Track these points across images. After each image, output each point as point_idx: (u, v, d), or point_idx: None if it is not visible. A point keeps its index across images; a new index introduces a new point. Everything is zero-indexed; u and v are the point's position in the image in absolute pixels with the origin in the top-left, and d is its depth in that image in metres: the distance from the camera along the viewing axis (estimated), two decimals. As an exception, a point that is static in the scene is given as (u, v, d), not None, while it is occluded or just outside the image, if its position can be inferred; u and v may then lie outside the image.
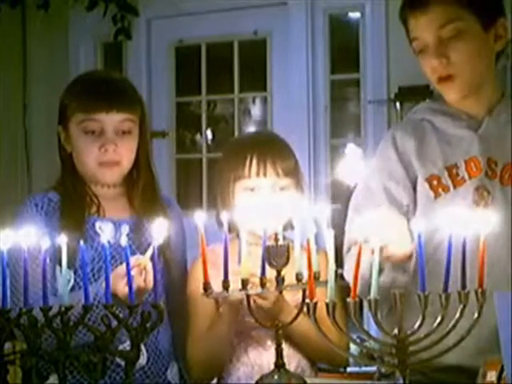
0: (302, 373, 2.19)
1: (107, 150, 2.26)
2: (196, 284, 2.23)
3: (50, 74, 4.90)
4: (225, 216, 1.86)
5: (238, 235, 1.91)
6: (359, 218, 2.09)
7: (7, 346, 1.85)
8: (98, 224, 2.25)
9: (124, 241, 1.78)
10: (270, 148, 2.29)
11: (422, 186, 2.16)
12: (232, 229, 1.97)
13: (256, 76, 4.83)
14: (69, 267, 2.04)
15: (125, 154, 2.29)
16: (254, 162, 2.25)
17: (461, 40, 2.13)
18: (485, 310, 1.65)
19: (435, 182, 2.16)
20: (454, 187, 2.15)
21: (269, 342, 2.23)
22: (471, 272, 1.66)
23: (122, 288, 1.99)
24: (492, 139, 2.17)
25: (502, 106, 2.20)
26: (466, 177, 2.14)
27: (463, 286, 1.66)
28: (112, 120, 2.26)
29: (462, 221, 1.65)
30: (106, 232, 1.83)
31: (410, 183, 2.18)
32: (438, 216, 1.80)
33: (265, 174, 2.25)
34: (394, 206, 2.13)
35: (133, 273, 1.94)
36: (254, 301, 1.98)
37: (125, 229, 1.81)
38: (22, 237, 1.79)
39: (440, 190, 2.15)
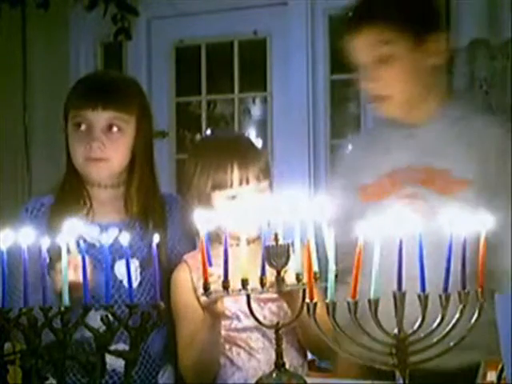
0: (294, 371, 2.18)
1: (92, 147, 2.27)
2: (180, 291, 2.24)
3: (49, 74, 4.90)
4: (223, 218, 1.85)
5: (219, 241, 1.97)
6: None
7: (7, 345, 1.85)
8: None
9: (105, 241, 1.77)
10: (248, 154, 2.26)
11: (361, 195, 2.22)
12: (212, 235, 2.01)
13: (256, 76, 4.82)
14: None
15: (113, 152, 2.29)
16: (236, 171, 2.21)
17: (394, 62, 2.17)
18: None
19: (373, 190, 2.21)
20: (391, 195, 2.17)
21: (260, 344, 2.23)
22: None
23: (58, 284, 1.98)
24: (431, 147, 2.21)
25: (442, 110, 2.24)
26: (404, 185, 2.17)
27: (463, 286, 1.67)
28: (98, 117, 2.27)
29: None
30: (94, 236, 1.85)
31: (354, 193, 2.24)
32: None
33: (247, 182, 2.23)
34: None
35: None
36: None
37: (113, 232, 1.80)
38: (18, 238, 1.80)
39: (377, 197, 2.19)
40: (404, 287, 1.63)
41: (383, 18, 2.19)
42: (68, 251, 1.81)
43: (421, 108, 2.24)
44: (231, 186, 2.22)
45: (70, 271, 1.93)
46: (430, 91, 2.25)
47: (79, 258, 1.95)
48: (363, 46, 2.21)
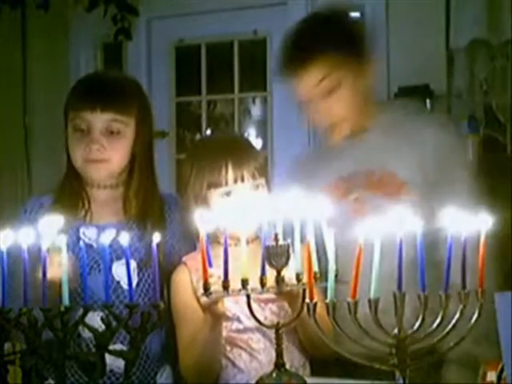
0: (295, 371, 2.18)
1: (91, 149, 2.27)
2: (179, 293, 2.24)
3: (50, 74, 4.90)
4: (222, 219, 1.85)
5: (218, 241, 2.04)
6: None
7: (7, 345, 1.85)
8: (82, 229, 2.25)
9: (104, 242, 1.77)
10: (242, 153, 2.28)
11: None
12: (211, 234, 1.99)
13: (256, 76, 4.82)
14: None
15: (112, 154, 2.28)
16: (230, 169, 2.23)
17: (336, 91, 2.27)
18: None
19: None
20: (339, 201, 2.23)
21: (261, 345, 2.23)
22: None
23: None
24: (375, 151, 2.29)
25: (384, 115, 2.34)
26: (351, 190, 2.26)
27: (463, 286, 1.67)
28: (97, 119, 2.27)
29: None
30: (91, 237, 1.83)
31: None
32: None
33: (242, 179, 2.24)
34: None
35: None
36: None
37: (110, 233, 1.80)
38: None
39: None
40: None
41: (321, 52, 2.27)
42: (48, 250, 1.79)
43: (364, 117, 2.33)
44: (226, 184, 2.23)
45: (54, 268, 1.87)
46: (371, 102, 2.36)
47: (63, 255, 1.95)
48: (306, 83, 2.28)
